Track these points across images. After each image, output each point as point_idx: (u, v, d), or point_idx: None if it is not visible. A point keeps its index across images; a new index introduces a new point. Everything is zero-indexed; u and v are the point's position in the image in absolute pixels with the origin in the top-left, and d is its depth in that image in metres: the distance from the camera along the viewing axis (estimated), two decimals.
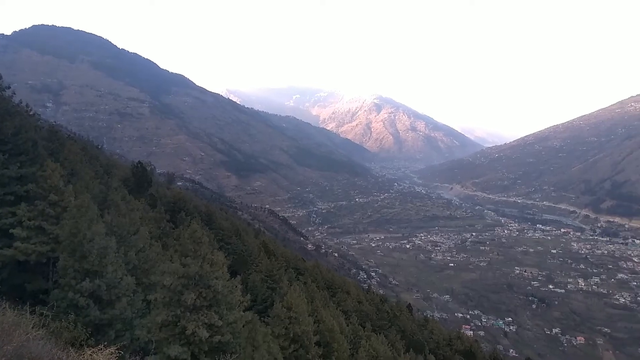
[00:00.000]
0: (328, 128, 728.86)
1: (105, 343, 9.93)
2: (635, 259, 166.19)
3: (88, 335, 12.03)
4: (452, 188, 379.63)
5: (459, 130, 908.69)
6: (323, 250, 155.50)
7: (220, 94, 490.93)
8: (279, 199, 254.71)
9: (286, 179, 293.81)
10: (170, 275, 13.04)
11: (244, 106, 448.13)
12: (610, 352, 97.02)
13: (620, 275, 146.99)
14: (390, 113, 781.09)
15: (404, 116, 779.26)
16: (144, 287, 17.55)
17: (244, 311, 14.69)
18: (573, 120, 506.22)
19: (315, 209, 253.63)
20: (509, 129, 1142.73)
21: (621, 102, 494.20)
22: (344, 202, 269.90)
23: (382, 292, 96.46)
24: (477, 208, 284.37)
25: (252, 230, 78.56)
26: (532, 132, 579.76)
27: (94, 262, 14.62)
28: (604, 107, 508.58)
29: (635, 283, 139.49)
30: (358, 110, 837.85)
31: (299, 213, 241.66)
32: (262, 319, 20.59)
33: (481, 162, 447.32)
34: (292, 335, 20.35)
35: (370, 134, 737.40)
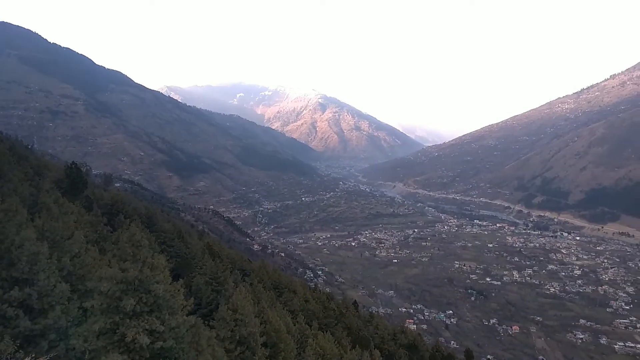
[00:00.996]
0: (273, 127, 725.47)
1: (34, 355, 9.33)
2: (564, 251, 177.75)
3: (16, 348, 11.24)
4: (395, 186, 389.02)
5: (401, 130, 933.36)
6: (269, 251, 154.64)
7: (160, 91, 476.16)
8: (223, 200, 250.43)
9: (231, 179, 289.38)
10: (108, 281, 12.48)
11: (185, 104, 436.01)
12: (542, 339, 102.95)
13: (550, 267, 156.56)
14: (334, 113, 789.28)
15: (348, 116, 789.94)
16: (79, 294, 16.65)
17: (187, 315, 14.30)
18: (506, 120, 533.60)
19: (261, 208, 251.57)
20: (448, 129, 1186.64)
21: (550, 103, 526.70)
22: (290, 202, 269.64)
23: (328, 290, 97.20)
24: (418, 205, 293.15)
25: (195, 232, 76.77)
26: (469, 131, 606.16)
27: (23, 269, 13.71)
28: (535, 107, 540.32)
29: (563, 273, 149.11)
30: (303, 110, 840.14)
31: (244, 213, 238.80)
32: (207, 322, 20.14)
33: (422, 161, 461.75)
34: (238, 337, 20.07)
35: (316, 133, 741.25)
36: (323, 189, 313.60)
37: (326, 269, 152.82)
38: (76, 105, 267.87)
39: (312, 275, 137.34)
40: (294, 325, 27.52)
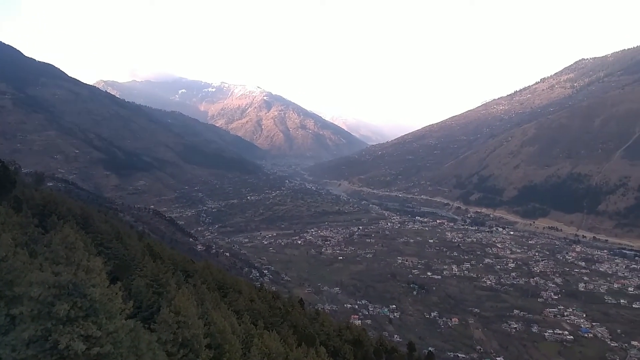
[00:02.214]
0: (217, 125, 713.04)
1: None
2: (499, 245, 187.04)
3: None
4: (340, 184, 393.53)
5: (346, 129, 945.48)
6: (214, 251, 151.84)
7: (96, 86, 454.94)
8: (165, 199, 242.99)
9: (173, 178, 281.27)
10: (39, 286, 11.78)
11: (124, 100, 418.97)
12: (480, 329, 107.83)
13: (487, 260, 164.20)
14: (280, 111, 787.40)
15: (293, 114, 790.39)
16: (7, 300, 15.58)
17: (126, 319, 13.77)
18: (446, 120, 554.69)
19: (204, 208, 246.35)
20: (391, 128, 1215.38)
21: (486, 104, 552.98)
22: (235, 201, 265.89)
23: (274, 289, 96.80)
24: (363, 203, 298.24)
25: (135, 232, 73.97)
26: (410, 131, 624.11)
27: None
28: (472, 108, 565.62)
29: (499, 267, 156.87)
30: (248, 107, 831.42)
31: (187, 213, 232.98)
32: (147, 325, 19.48)
33: (366, 160, 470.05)
34: (180, 340, 19.56)
35: (261, 131, 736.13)
36: (269, 187, 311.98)
37: (272, 268, 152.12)
38: (3, 100, 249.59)
39: (258, 275, 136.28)
40: (239, 326, 27.20)
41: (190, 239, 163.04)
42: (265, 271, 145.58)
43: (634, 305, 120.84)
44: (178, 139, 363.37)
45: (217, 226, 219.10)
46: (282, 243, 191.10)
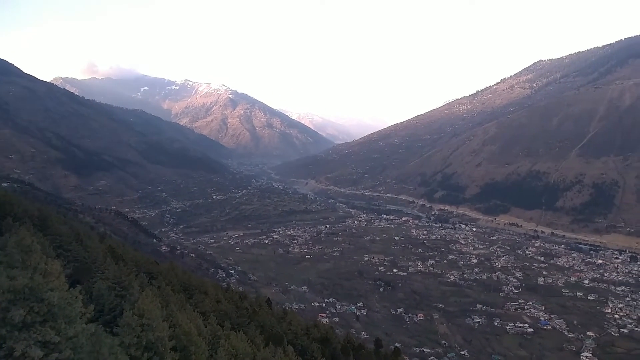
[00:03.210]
0: (181, 123, 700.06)
1: None
2: (462, 241, 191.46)
3: None
4: (307, 183, 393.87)
5: (312, 128, 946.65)
6: (179, 252, 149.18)
7: (54, 83, 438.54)
8: (127, 199, 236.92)
9: (135, 178, 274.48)
10: None
11: (83, 97, 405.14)
12: (444, 324, 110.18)
13: (450, 257, 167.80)
14: (246, 109, 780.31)
15: (260, 112, 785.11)
16: None
17: (87, 323, 13.33)
18: (410, 119, 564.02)
19: (169, 208, 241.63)
20: (357, 127, 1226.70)
21: (449, 104, 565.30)
22: (200, 200, 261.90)
23: (241, 289, 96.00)
24: (330, 201, 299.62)
25: (96, 234, 71.80)
26: (376, 130, 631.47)
27: None
28: (435, 108, 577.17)
29: (462, 262, 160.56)
30: (213, 105, 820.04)
31: (150, 213, 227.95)
32: (110, 329, 18.92)
33: (333, 158, 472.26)
34: (145, 343, 19.08)
35: (227, 130, 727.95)
36: (235, 186, 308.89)
37: (239, 268, 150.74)
38: None
39: (224, 275, 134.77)
40: (206, 327, 26.79)
41: (154, 240, 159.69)
42: (232, 271, 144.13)
43: (589, 297, 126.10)
44: (141, 138, 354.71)
45: (181, 227, 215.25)
46: (249, 243, 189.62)
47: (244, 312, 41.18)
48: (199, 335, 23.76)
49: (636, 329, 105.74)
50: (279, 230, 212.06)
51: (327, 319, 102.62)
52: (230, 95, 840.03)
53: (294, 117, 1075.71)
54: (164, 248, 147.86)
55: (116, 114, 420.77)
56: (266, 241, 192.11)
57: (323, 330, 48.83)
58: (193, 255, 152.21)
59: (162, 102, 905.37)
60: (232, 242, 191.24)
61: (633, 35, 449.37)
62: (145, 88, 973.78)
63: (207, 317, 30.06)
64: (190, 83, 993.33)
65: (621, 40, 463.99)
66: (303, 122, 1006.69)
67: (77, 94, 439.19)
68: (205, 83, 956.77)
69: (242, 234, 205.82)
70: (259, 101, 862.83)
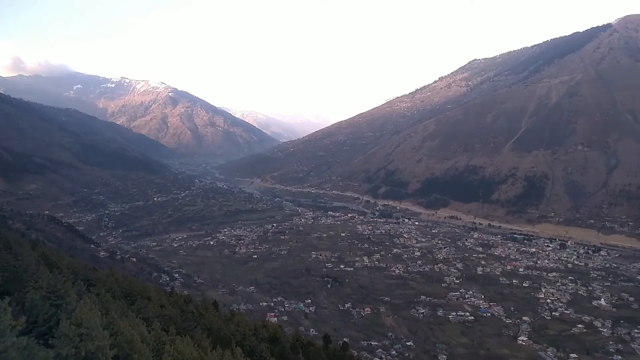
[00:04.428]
0: (118, 122, 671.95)
1: None
2: (406, 235, 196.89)
3: None
4: (253, 182, 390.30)
5: (257, 126, 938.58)
6: (119, 256, 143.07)
7: None
8: (61, 204, 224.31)
9: (69, 180, 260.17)
10: None
11: (9, 96, 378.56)
12: (390, 317, 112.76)
13: (395, 250, 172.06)
14: (187, 107, 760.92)
15: (202, 111, 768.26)
16: None
17: (18, 336, 12.44)
18: (354, 117, 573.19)
19: (107, 211, 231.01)
20: (301, 125, 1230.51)
21: (390, 102, 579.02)
22: (140, 203, 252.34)
23: (186, 293, 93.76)
24: (276, 200, 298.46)
25: (28, 241, 67.42)
26: (321, 127, 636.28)
27: None
28: (378, 106, 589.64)
29: (406, 256, 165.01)
30: (152, 104, 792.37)
31: (87, 218, 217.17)
32: (45, 341, 17.80)
33: (278, 157, 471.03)
34: (84, 353, 18.11)
35: (167, 129, 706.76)
36: (177, 187, 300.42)
37: (183, 271, 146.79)
38: None
39: (168, 279, 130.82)
40: (149, 333, 25.85)
41: (92, 246, 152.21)
42: (176, 275, 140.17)
43: (524, 285, 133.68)
44: (74, 139, 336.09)
45: (121, 230, 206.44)
46: (194, 245, 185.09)
47: (190, 315, 40.14)
48: (142, 342, 22.90)
49: (566, 311, 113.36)
50: (225, 231, 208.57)
51: (276, 318, 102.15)
52: (170, 94, 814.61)
53: (237, 116, 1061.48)
54: (102, 253, 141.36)
55: (47, 113, 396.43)
56: (211, 242, 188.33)
57: (272, 330, 48.54)
58: (134, 259, 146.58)
59: (97, 100, 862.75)
60: (175, 245, 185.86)
61: (558, 37, 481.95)
62: (79, 86, 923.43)
63: (150, 322, 29.02)
64: (127, 81, 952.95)
65: (548, 41, 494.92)
66: (247, 121, 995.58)
67: (2, 92, 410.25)
68: (143, 81, 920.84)
69: (185, 236, 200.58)
70: (201, 99, 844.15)
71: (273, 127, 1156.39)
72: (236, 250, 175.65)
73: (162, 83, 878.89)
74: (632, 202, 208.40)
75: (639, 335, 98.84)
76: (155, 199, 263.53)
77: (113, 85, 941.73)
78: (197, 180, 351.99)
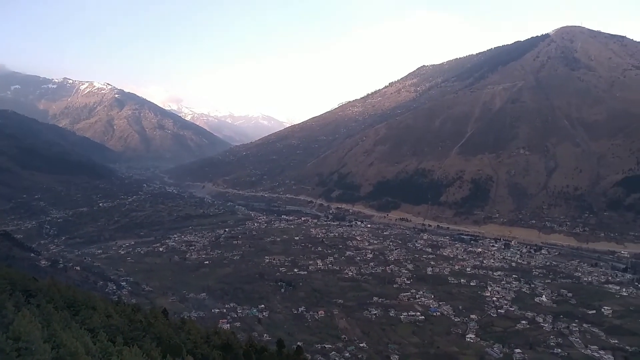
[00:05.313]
0: (61, 125, 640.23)
1: None
2: (358, 238, 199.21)
3: None
4: (204, 186, 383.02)
5: (208, 129, 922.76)
6: (61, 265, 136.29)
7: None
8: None
9: (7, 186, 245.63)
10: None
11: None
12: (344, 319, 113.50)
13: (348, 253, 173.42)
14: (134, 110, 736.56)
15: (150, 113, 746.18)
16: None
17: None
18: (307, 121, 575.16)
19: (48, 218, 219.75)
20: (253, 129, 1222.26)
21: (342, 106, 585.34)
22: (84, 209, 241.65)
23: (134, 301, 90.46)
24: (229, 204, 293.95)
25: None
26: (273, 131, 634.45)
27: None
28: (330, 110, 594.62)
29: (359, 258, 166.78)
30: (97, 106, 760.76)
31: (26, 225, 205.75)
32: None
33: (231, 160, 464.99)
34: None
35: (113, 131, 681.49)
36: (124, 192, 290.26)
37: (131, 279, 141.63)
38: None
39: (115, 288, 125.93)
40: (95, 345, 24.82)
41: (32, 254, 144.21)
42: (124, 283, 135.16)
43: (471, 283, 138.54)
44: (12, 142, 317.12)
45: (64, 238, 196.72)
46: (142, 251, 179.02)
47: (138, 325, 38.82)
48: (87, 354, 21.96)
49: (510, 308, 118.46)
50: (175, 237, 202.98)
51: (229, 325, 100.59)
52: (117, 95, 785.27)
53: (187, 119, 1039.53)
54: (43, 262, 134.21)
55: None
56: (161, 249, 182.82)
57: (224, 337, 47.79)
58: (78, 268, 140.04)
59: (38, 102, 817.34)
60: (122, 252, 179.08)
61: (501, 45, 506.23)
62: (17, 86, 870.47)
63: (96, 333, 27.87)
64: (70, 81, 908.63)
65: (492, 49, 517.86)
66: (197, 124, 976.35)
67: None
68: (87, 82, 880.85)
69: (133, 243, 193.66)
70: (149, 101, 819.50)
71: (225, 130, 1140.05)
72: (187, 256, 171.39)
73: (108, 84, 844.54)
74: (569, 203, 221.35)
75: (577, 329, 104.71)
76: (100, 204, 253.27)
77: (55, 86, 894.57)
78: (145, 185, 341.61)
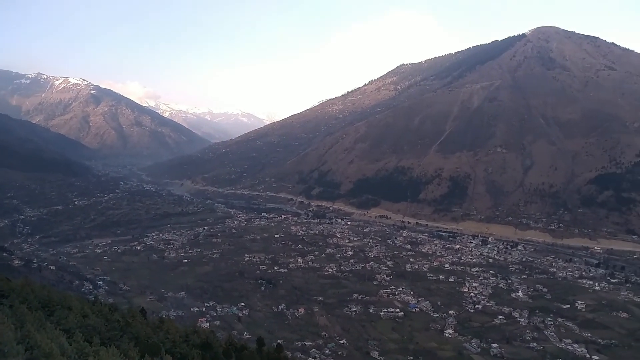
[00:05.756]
0: (34, 121, 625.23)
1: None
2: (338, 235, 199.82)
3: None
4: (182, 184, 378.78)
5: (186, 126, 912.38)
6: (35, 265, 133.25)
7: None
8: None
9: None
10: None
11: None
12: (324, 316, 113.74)
13: (328, 250, 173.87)
14: (111, 106, 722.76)
15: (127, 110, 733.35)
16: None
17: None
18: (287, 118, 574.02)
19: (21, 217, 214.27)
20: (233, 126, 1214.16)
21: (322, 104, 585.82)
22: (59, 207, 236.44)
23: (112, 301, 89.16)
24: (208, 202, 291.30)
25: None
26: (253, 128, 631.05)
27: None
28: (310, 107, 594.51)
29: (339, 255, 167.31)
30: (72, 102, 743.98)
31: None
32: None
33: (210, 158, 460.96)
34: None
35: (89, 128, 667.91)
36: (101, 190, 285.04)
37: (108, 278, 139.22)
38: None
39: (91, 287, 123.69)
40: (70, 345, 24.32)
41: (5, 254, 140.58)
42: (100, 282, 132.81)
43: (449, 279, 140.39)
44: None
45: (38, 237, 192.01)
46: (119, 250, 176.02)
47: (115, 324, 38.18)
48: (62, 354, 21.50)
49: (488, 304, 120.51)
50: (153, 235, 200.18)
51: (208, 323, 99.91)
52: (92, 91, 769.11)
53: (165, 115, 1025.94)
54: (16, 262, 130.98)
55: None
56: (138, 247, 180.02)
57: (203, 335, 47.32)
58: (53, 267, 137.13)
59: (10, 97, 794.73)
60: (99, 251, 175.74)
61: (479, 44, 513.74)
62: None
63: (72, 334, 27.32)
64: (44, 77, 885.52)
65: (470, 48, 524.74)
66: (176, 120, 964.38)
67: None
68: (62, 77, 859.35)
69: (110, 242, 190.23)
70: (126, 98, 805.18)
71: (204, 127, 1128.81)
72: (165, 255, 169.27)
73: (84, 80, 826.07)
74: (545, 199, 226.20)
75: (552, 323, 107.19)
76: (76, 202, 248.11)
77: (28, 81, 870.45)
78: (122, 183, 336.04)
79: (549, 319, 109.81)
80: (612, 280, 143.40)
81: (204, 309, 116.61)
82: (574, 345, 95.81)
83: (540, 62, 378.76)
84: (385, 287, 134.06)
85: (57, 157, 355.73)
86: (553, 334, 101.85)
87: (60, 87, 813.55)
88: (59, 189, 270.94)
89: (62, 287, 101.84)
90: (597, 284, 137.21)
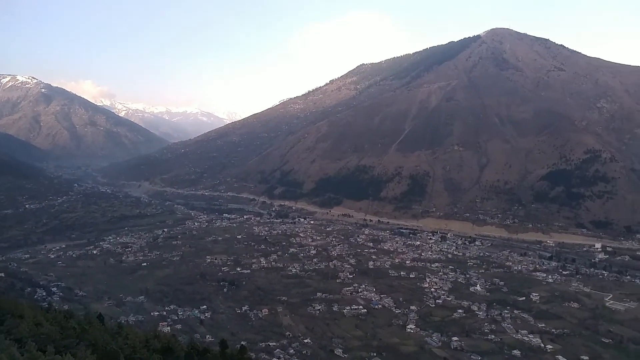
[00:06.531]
0: None
1: None
2: (302, 234, 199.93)
3: None
4: (140, 185, 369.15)
5: (143, 126, 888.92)
6: None
7: None
8: None
9: None
10: None
11: None
12: (288, 316, 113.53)
13: (291, 250, 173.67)
14: (63, 105, 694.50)
15: (80, 109, 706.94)
16: None
17: None
18: (248, 117, 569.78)
19: None
20: (192, 125, 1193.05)
21: (284, 103, 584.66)
22: (9, 211, 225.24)
23: (67, 308, 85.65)
24: (167, 204, 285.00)
25: None
26: (213, 128, 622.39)
27: None
28: (272, 106, 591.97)
29: (302, 254, 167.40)
30: (21, 101, 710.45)
31: None
32: None
33: (168, 158, 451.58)
34: None
35: (40, 128, 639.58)
36: (53, 193, 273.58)
37: (63, 284, 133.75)
38: None
39: (45, 294, 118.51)
40: (22, 356, 23.31)
41: None
42: (54, 289, 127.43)
43: (410, 276, 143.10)
44: None
45: None
46: (74, 255, 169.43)
47: (71, 332, 36.82)
48: None
49: (447, 298, 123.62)
50: (110, 239, 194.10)
51: (169, 328, 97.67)
52: (43, 90, 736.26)
53: (121, 115, 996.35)
54: None
55: None
56: (94, 252, 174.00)
57: (164, 340, 46.33)
58: (2, 274, 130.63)
59: None
60: (52, 256, 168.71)
61: (436, 45, 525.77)
62: None
63: (24, 343, 26.18)
64: None
65: (427, 49, 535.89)
66: (132, 120, 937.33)
67: None
68: (9, 75, 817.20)
69: (64, 246, 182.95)
70: (79, 97, 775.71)
71: (162, 126, 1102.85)
72: (123, 258, 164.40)
73: (33, 78, 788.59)
74: (500, 196, 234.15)
75: (509, 316, 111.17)
76: (27, 206, 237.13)
77: None
78: (76, 185, 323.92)
79: (506, 311, 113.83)
80: (563, 272, 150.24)
81: (164, 313, 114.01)
82: (530, 336, 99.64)
83: (494, 63, 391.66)
84: (348, 285, 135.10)
85: (5, 158, 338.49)
86: (510, 325, 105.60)
87: (8, 86, 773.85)
88: (7, 192, 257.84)
89: (13, 294, 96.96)
90: (550, 277, 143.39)
